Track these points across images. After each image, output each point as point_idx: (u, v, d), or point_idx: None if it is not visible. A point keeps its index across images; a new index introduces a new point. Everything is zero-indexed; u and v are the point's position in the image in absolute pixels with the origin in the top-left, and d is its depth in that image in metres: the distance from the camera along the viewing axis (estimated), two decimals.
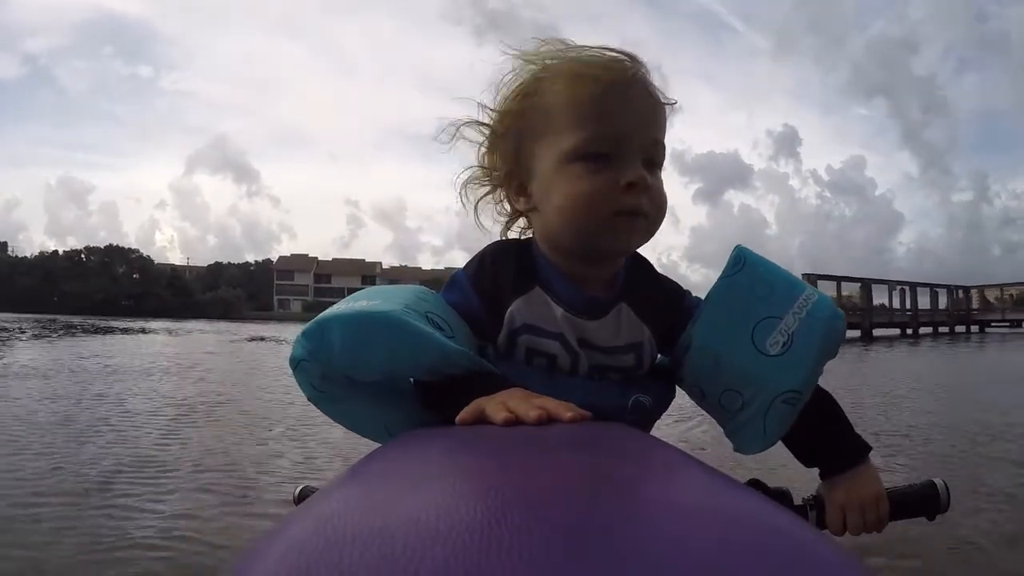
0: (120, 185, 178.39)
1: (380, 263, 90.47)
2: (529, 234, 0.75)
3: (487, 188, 0.74)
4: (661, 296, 0.74)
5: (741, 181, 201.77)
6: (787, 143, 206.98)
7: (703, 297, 0.73)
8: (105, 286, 63.16)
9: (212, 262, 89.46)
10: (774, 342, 0.66)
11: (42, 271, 62.88)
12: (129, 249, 70.49)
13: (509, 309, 0.68)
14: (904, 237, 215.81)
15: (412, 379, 0.65)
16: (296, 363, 0.63)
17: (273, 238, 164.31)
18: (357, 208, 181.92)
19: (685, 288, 0.78)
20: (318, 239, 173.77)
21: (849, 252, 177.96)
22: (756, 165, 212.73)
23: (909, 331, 30.24)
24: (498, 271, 0.69)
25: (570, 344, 0.69)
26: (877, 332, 28.30)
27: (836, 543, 0.28)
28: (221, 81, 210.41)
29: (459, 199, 0.76)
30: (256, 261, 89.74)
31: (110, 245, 69.77)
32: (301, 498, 0.81)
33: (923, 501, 0.70)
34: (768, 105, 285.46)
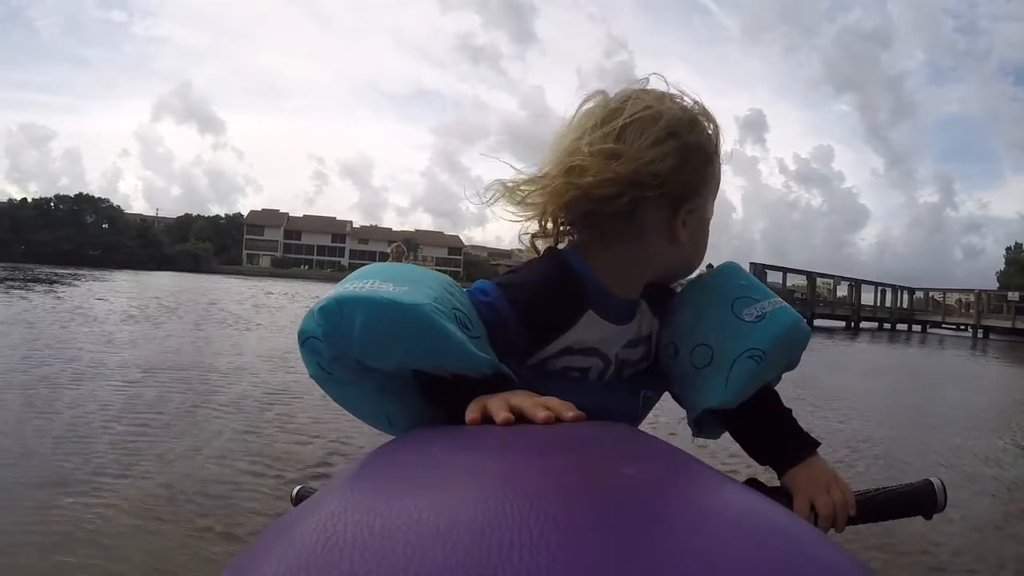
0: (83, 131, 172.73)
1: (351, 222, 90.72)
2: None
3: (649, 191, 0.65)
4: (662, 286, 0.78)
5: None
6: (753, 128, 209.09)
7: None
8: (73, 235, 62.33)
9: (181, 214, 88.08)
10: (749, 313, 0.71)
11: (9, 219, 61.57)
12: (99, 198, 69.11)
13: (557, 340, 0.68)
14: (867, 232, 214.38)
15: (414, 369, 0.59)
16: (305, 338, 0.57)
17: (238, 191, 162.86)
18: (322, 164, 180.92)
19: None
20: (283, 194, 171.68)
21: (811, 241, 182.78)
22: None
23: (853, 324, 31.44)
24: (548, 305, 0.68)
25: (608, 357, 0.72)
26: (819, 323, 29.58)
27: (837, 542, 0.28)
28: (193, 29, 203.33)
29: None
30: (226, 214, 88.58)
31: (80, 194, 67.82)
32: (299, 498, 0.79)
33: (919, 500, 0.69)
34: (736, 89, 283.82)
